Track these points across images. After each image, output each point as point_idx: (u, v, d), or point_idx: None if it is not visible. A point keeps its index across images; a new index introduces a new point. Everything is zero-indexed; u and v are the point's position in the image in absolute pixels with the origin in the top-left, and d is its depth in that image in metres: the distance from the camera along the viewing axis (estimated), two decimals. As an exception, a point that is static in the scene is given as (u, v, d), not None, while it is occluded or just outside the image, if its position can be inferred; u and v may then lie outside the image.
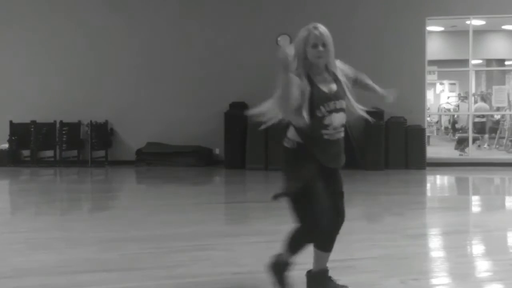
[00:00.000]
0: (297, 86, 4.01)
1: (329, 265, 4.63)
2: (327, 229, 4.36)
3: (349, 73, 4.48)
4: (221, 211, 9.37)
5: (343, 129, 4.34)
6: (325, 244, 4.51)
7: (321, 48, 4.16)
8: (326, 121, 4.20)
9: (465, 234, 7.33)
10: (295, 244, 4.48)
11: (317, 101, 4.15)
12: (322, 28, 4.22)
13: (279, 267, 4.55)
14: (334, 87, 4.28)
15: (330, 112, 4.21)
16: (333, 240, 4.54)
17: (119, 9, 16.00)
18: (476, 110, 19.21)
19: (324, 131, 4.20)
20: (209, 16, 15.68)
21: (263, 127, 4.26)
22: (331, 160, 4.34)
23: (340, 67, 4.38)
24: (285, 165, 4.35)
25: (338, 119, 4.27)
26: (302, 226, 4.34)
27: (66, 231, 7.35)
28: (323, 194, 4.28)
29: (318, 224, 4.27)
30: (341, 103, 4.30)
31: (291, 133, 4.32)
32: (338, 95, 4.28)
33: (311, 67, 4.21)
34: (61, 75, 15.88)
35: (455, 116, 23.48)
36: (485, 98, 21.35)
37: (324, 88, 4.22)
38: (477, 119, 19.43)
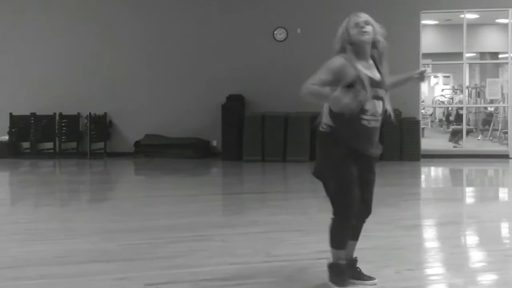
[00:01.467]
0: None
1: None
2: (354, 218, 4.39)
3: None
4: (219, 202, 9.37)
5: (380, 118, 4.30)
6: (350, 233, 4.52)
7: (363, 25, 4.23)
8: (367, 106, 4.20)
9: (459, 225, 7.34)
10: (336, 238, 4.47)
11: (369, 83, 4.20)
12: (363, 14, 4.35)
13: (336, 267, 4.48)
14: (377, 74, 4.33)
15: (372, 98, 4.20)
16: (359, 229, 4.57)
17: (118, 3, 15.95)
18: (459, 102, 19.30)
19: (363, 116, 4.19)
20: (206, 9, 15.62)
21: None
22: (365, 146, 4.30)
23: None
24: (319, 149, 4.42)
25: (378, 106, 4.26)
26: (335, 219, 4.42)
27: (66, 222, 7.34)
28: (354, 181, 4.29)
29: (347, 213, 4.32)
30: (382, 92, 4.30)
31: (325, 117, 4.31)
32: (380, 83, 4.31)
33: (357, 52, 4.25)
34: (61, 68, 15.84)
35: (449, 108, 23.49)
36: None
37: (369, 74, 4.26)
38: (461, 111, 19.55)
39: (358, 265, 4.64)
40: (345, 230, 4.40)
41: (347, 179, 4.25)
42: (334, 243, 4.42)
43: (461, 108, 19.79)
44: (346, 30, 4.24)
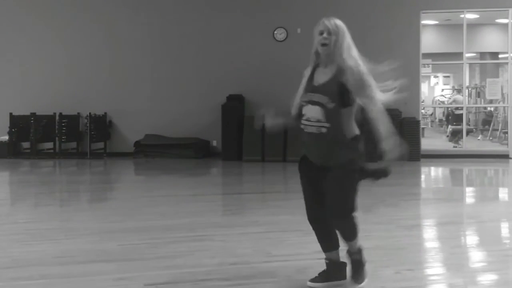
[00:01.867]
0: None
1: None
2: (310, 223, 4.52)
3: (356, 82, 4.16)
4: (218, 202, 9.37)
5: (319, 124, 4.18)
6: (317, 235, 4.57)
7: (325, 35, 4.17)
8: (302, 111, 4.27)
9: (459, 225, 7.34)
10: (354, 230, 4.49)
11: (303, 91, 4.27)
12: (333, 20, 4.27)
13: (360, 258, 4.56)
14: (324, 80, 4.22)
15: (306, 103, 4.23)
16: (325, 235, 4.51)
17: (118, 2, 15.94)
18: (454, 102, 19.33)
19: (301, 120, 4.28)
20: (206, 9, 15.62)
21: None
22: (310, 154, 4.35)
23: (353, 71, 4.16)
24: None
25: (311, 111, 4.20)
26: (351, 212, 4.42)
27: (66, 221, 7.35)
28: (304, 188, 4.48)
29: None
30: (321, 98, 4.16)
31: None
32: (321, 89, 4.19)
33: (320, 57, 4.26)
34: (61, 68, 15.83)
35: (449, 108, 23.48)
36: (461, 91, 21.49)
37: (315, 80, 4.25)
38: (456, 111, 19.57)
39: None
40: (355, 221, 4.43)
41: (302, 185, 4.52)
42: (352, 236, 4.51)
43: (458, 108, 19.77)
44: (315, 35, 4.25)
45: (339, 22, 4.27)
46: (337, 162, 4.22)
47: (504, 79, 18.60)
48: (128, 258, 5.44)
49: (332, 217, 4.34)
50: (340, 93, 4.13)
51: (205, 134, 15.33)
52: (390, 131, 4.13)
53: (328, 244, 4.54)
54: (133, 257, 5.45)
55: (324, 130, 4.17)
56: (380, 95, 4.15)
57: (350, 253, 4.48)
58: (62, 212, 8.38)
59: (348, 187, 4.27)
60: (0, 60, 16.06)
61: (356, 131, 4.33)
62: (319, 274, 4.55)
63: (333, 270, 4.53)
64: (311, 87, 4.25)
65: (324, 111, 4.15)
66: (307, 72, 4.32)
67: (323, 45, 4.17)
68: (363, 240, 5.97)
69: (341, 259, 4.57)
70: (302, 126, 4.26)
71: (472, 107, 21.65)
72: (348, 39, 4.25)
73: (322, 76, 4.24)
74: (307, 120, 4.23)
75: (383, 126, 4.12)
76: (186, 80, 15.56)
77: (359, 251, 4.51)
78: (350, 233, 4.40)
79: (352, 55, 4.21)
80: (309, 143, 4.29)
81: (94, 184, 11.79)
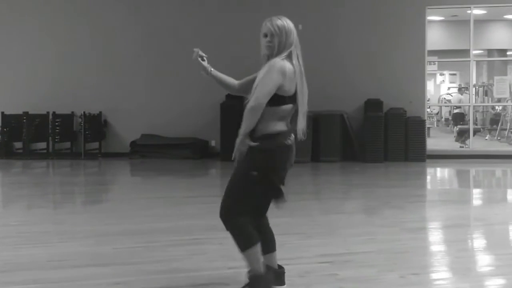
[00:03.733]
0: None
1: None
2: None
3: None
4: (217, 204, 9.29)
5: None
6: None
7: (267, 38, 4.20)
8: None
9: (466, 228, 7.34)
10: None
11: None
12: (275, 21, 4.21)
13: None
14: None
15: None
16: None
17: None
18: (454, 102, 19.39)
19: None
20: (205, 5, 15.63)
21: None
22: None
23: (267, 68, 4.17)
24: None
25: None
26: None
27: (59, 224, 7.35)
28: None
29: None
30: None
31: None
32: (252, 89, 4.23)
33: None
34: (54, 66, 15.84)
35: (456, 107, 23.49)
36: (462, 90, 21.57)
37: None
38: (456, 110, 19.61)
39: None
40: None
41: None
42: None
43: (459, 107, 19.80)
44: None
45: (280, 23, 4.21)
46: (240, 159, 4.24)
47: (512, 77, 18.62)
48: (123, 262, 5.44)
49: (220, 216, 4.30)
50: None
51: (204, 134, 15.34)
52: (245, 133, 4.14)
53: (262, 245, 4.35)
54: (128, 261, 5.45)
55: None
56: (262, 95, 4.06)
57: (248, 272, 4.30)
58: (56, 215, 8.38)
59: (239, 187, 4.22)
60: (-8, 57, 16.09)
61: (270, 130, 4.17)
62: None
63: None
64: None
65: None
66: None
67: (265, 46, 4.21)
68: (367, 243, 5.99)
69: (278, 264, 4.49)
70: None
71: (480, 106, 21.63)
72: (291, 40, 4.26)
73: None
74: None
75: (244, 124, 4.15)
76: (183, 78, 15.55)
77: (256, 275, 4.23)
78: (238, 242, 4.23)
79: (292, 55, 4.24)
80: None
81: (88, 186, 11.78)
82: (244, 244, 4.19)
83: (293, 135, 4.21)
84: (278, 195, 4.18)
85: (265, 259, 4.34)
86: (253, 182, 4.11)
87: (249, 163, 4.14)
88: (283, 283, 4.45)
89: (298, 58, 4.27)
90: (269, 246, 4.43)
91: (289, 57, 4.20)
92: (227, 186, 4.27)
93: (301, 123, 4.19)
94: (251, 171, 4.11)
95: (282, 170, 4.19)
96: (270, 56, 4.21)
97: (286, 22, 4.24)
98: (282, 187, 4.19)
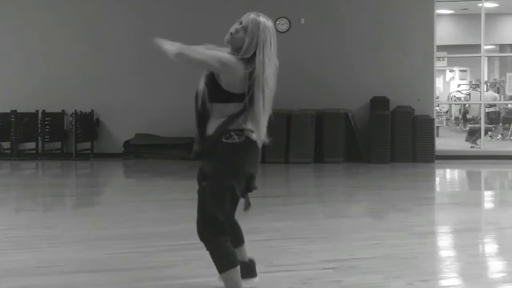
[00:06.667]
0: None
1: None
2: None
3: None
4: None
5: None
6: None
7: (237, 25, 4.14)
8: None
9: (476, 232, 7.34)
10: None
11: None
12: (258, 19, 4.12)
13: None
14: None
15: None
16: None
17: (105, -9, 16.00)
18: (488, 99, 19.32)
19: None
20: (199, 4, 15.63)
21: None
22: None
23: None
24: None
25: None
26: None
27: (49, 228, 7.34)
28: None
29: None
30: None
31: None
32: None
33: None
34: (44, 62, 15.84)
35: (466, 105, 23.51)
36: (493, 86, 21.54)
37: None
38: (490, 109, 19.53)
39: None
40: None
41: None
42: None
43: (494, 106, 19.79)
44: None
45: (259, 22, 4.10)
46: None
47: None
48: (117, 268, 5.44)
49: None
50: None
51: (201, 134, 15.32)
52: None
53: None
54: (122, 267, 5.45)
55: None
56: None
57: None
58: (45, 218, 8.37)
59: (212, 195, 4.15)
60: (-22, 53, 16.09)
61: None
62: None
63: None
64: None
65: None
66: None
67: (230, 32, 4.16)
68: (373, 248, 5.99)
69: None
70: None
71: (492, 104, 21.64)
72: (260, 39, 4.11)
73: None
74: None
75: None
76: (179, 75, 15.51)
77: None
78: (217, 262, 4.23)
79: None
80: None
81: (80, 188, 11.78)
82: (224, 266, 4.18)
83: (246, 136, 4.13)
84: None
85: (237, 253, 4.36)
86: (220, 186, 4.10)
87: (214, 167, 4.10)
88: (254, 275, 4.54)
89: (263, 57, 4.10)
90: (239, 240, 4.56)
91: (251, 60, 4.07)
92: (199, 201, 4.19)
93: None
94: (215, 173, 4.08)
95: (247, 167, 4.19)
96: (226, 41, 4.18)
97: (262, 22, 4.13)
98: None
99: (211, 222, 4.14)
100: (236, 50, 4.13)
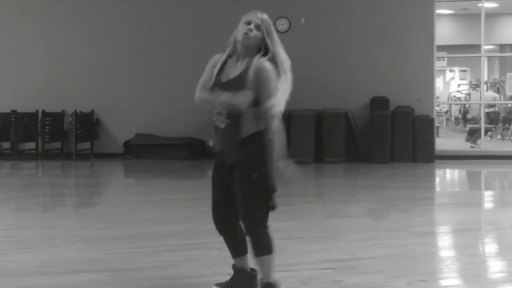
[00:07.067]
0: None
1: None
2: (216, 226, 4.57)
3: (259, 81, 4.15)
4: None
5: (225, 120, 4.25)
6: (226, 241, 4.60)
7: (252, 27, 4.20)
8: (218, 106, 4.28)
9: (476, 232, 7.34)
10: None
11: (213, 83, 4.29)
12: (264, 16, 4.27)
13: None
14: (234, 75, 4.27)
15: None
16: (229, 239, 4.54)
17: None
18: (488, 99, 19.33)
19: (214, 115, 4.30)
20: (200, 4, 15.62)
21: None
22: (219, 151, 4.44)
23: (259, 69, 4.17)
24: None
25: (220, 106, 4.25)
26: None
27: (49, 228, 7.34)
28: (214, 188, 4.56)
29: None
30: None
31: None
32: (227, 85, 4.23)
33: (237, 48, 4.31)
34: (44, 62, 15.83)
35: (466, 105, 23.50)
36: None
37: (224, 73, 4.29)
38: (490, 109, 19.53)
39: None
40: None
41: (212, 186, 4.54)
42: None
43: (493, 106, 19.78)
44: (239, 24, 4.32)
45: (268, 20, 4.28)
46: (232, 159, 4.35)
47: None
48: (117, 268, 5.44)
49: (245, 227, 4.37)
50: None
51: (201, 134, 15.31)
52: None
53: (235, 249, 4.56)
54: (122, 267, 5.45)
55: (223, 126, 4.29)
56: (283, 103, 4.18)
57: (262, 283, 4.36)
58: (46, 218, 8.37)
59: (252, 192, 4.26)
60: (-22, 53, 16.09)
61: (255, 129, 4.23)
62: (227, 280, 4.62)
63: (240, 279, 4.55)
64: (220, 82, 4.27)
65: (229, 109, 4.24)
66: (218, 59, 4.39)
67: (246, 34, 4.22)
68: (373, 248, 5.99)
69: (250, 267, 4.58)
70: (216, 122, 4.31)
71: (492, 104, 21.63)
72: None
73: (232, 69, 4.30)
74: (216, 114, 4.31)
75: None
76: (180, 75, 15.55)
77: (272, 284, 4.34)
78: (260, 245, 4.32)
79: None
80: (219, 138, 4.41)
81: (80, 188, 11.78)
82: (267, 249, 4.29)
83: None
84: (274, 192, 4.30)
85: (239, 262, 4.52)
86: (259, 184, 4.19)
87: (250, 167, 4.22)
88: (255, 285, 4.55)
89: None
90: (243, 249, 4.55)
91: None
92: (240, 200, 4.31)
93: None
94: (253, 173, 4.19)
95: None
96: (243, 45, 4.25)
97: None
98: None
99: (260, 210, 4.28)
100: (249, 48, 4.24)
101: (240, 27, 4.26)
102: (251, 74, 4.14)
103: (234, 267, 4.59)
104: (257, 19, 4.23)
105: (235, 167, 4.28)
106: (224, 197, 4.44)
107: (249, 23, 4.23)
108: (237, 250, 4.53)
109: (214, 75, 4.29)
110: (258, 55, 4.21)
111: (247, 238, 4.33)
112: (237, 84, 4.16)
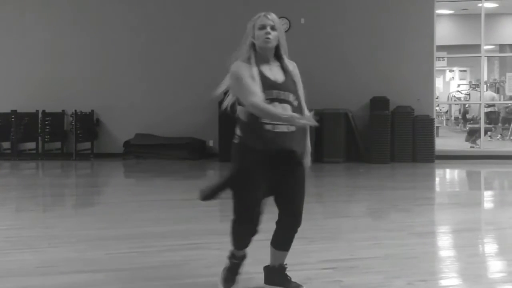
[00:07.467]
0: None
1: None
2: (253, 225, 4.57)
3: (295, 76, 4.44)
4: (216, 207, 9.33)
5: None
6: (247, 236, 4.70)
7: (269, 30, 4.29)
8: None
9: (476, 232, 7.34)
10: (232, 237, 4.67)
11: (261, 87, 4.24)
12: (273, 15, 4.38)
13: (230, 264, 4.74)
14: (281, 76, 4.35)
15: (272, 100, 4.24)
16: (287, 239, 4.77)
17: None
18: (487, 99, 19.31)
19: (264, 121, 4.23)
20: (200, 5, 15.62)
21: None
22: (281, 149, 4.32)
23: (295, 70, 4.49)
24: (231, 160, 4.57)
25: (284, 109, 4.24)
26: (233, 217, 4.61)
27: (49, 228, 7.34)
28: (258, 187, 4.44)
29: (241, 216, 4.61)
30: (287, 95, 4.31)
31: (237, 128, 4.46)
32: (285, 86, 4.31)
33: (259, 53, 4.35)
34: (44, 62, 15.83)
35: (466, 105, 23.50)
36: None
37: (269, 75, 4.31)
38: (489, 109, 19.51)
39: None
40: (239, 231, 4.65)
41: (250, 185, 4.43)
42: (231, 242, 4.69)
43: (492, 106, 19.76)
44: (253, 30, 4.37)
45: (277, 19, 4.41)
46: (305, 162, 4.56)
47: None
48: (117, 268, 5.44)
49: (299, 224, 4.76)
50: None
51: (201, 134, 15.33)
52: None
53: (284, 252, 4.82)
54: (122, 267, 5.45)
55: (293, 128, 4.26)
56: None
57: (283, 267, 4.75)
58: (46, 218, 8.37)
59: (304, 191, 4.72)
60: (-22, 53, 16.09)
61: None
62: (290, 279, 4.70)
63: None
64: (273, 84, 4.29)
65: (292, 109, 4.26)
66: (249, 67, 4.31)
67: (268, 39, 4.30)
68: (373, 248, 6.00)
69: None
70: (268, 127, 4.23)
71: (492, 104, 21.63)
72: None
73: (271, 71, 4.34)
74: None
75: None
76: (180, 75, 15.57)
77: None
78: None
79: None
80: (279, 142, 4.28)
81: (80, 188, 11.78)
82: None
83: None
84: None
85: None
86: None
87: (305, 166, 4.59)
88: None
89: None
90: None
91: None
92: (297, 196, 4.69)
93: None
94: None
95: None
96: (267, 49, 4.36)
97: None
98: None
99: None
100: (268, 49, 4.35)
101: (257, 33, 4.32)
102: (294, 73, 4.41)
103: (243, 258, 4.74)
104: (269, 20, 4.32)
105: (297, 166, 4.47)
106: (262, 196, 4.52)
107: (264, 27, 4.31)
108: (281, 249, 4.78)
109: (258, 79, 4.26)
110: (285, 57, 4.42)
111: (289, 233, 4.72)
112: (291, 84, 4.35)
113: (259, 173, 4.34)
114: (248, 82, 4.22)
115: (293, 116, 4.07)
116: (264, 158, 4.29)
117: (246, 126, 4.32)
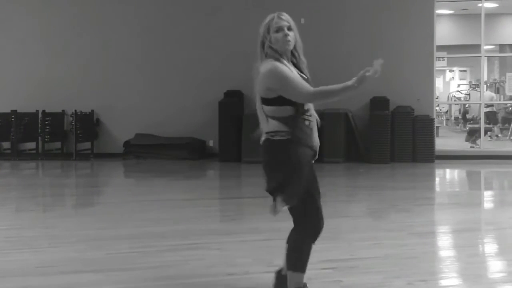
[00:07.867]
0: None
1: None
2: (320, 230, 4.55)
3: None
4: (216, 207, 9.36)
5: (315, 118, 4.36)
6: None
7: (287, 32, 4.27)
8: (306, 106, 4.28)
9: (476, 232, 7.33)
10: (299, 256, 4.43)
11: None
12: (285, 15, 4.35)
13: None
14: (306, 74, 4.40)
15: None
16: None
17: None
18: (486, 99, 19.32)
19: (306, 116, 4.25)
20: (200, 5, 15.61)
21: None
22: (315, 146, 4.33)
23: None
24: (274, 160, 4.34)
25: (311, 105, 4.36)
26: (298, 231, 4.44)
27: (49, 228, 7.34)
28: (317, 190, 4.45)
29: (317, 223, 4.50)
30: None
31: (271, 125, 4.30)
32: (309, 82, 4.38)
33: (280, 56, 4.29)
34: (44, 62, 15.83)
35: (466, 105, 23.50)
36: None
37: (298, 73, 4.33)
38: (487, 109, 19.52)
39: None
40: (309, 242, 4.49)
41: (313, 188, 4.39)
42: (297, 266, 4.42)
43: (491, 106, 19.75)
44: (268, 32, 4.30)
45: (290, 18, 4.40)
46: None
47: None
48: (117, 268, 5.44)
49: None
50: None
51: (201, 134, 15.32)
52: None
53: None
54: (122, 267, 5.45)
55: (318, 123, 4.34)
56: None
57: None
58: (46, 218, 8.37)
59: None
60: (-22, 53, 16.08)
61: None
62: None
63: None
64: (307, 81, 4.35)
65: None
66: (284, 65, 4.28)
67: (288, 41, 4.30)
68: (373, 248, 6.00)
69: None
70: (307, 122, 4.24)
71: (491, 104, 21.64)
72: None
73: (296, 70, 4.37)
74: (310, 114, 4.31)
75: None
76: (180, 75, 15.56)
77: None
78: None
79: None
80: (312, 135, 4.30)
81: (80, 188, 11.79)
82: None
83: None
84: None
85: None
86: None
87: None
88: None
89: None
90: None
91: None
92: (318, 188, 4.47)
93: None
94: None
95: None
96: (286, 50, 4.36)
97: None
98: None
99: None
100: (288, 51, 4.35)
101: (274, 36, 4.24)
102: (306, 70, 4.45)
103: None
104: (284, 21, 4.28)
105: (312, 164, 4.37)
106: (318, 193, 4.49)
107: (280, 29, 4.26)
108: None
109: (298, 75, 4.29)
110: (300, 54, 4.47)
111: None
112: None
113: (308, 170, 4.28)
114: (295, 77, 4.19)
115: (361, 76, 4.20)
116: (310, 153, 4.28)
117: (291, 121, 4.18)
